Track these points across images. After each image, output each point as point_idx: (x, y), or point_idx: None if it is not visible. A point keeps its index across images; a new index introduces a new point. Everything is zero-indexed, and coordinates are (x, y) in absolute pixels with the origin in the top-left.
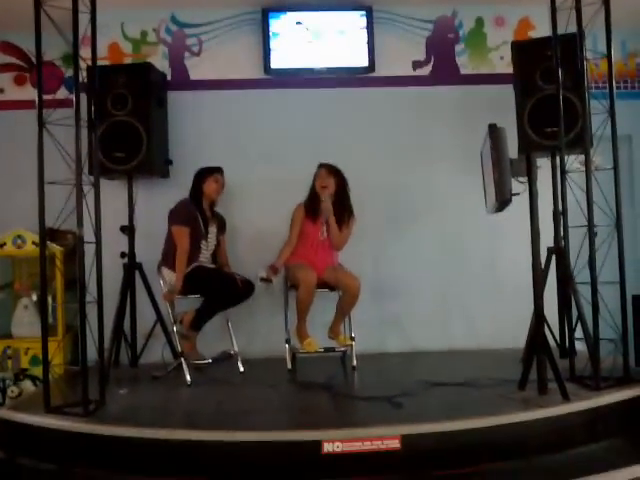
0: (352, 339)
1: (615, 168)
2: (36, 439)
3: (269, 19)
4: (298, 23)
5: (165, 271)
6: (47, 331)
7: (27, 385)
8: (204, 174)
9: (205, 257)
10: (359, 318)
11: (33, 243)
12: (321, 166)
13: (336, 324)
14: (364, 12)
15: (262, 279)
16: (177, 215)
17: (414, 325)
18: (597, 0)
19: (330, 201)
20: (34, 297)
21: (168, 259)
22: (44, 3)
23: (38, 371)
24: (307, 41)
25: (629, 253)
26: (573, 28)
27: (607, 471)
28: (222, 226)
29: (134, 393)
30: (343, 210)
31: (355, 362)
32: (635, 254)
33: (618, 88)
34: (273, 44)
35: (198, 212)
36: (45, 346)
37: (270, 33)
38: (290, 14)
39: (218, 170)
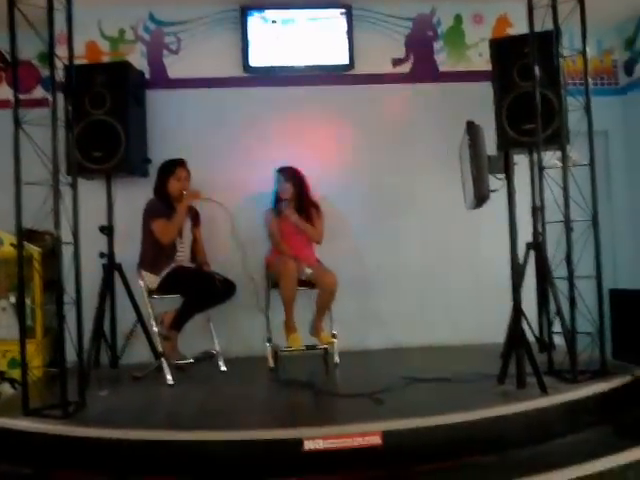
0: (334, 336)
1: (591, 164)
2: (14, 443)
3: (247, 17)
4: (273, 22)
5: (144, 273)
6: (25, 333)
7: (5, 388)
8: (165, 173)
9: (183, 255)
10: (341, 315)
11: (10, 244)
12: (277, 172)
13: (317, 322)
14: (343, 10)
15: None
16: (152, 211)
17: (396, 322)
18: None
19: (291, 207)
20: (12, 299)
21: (146, 261)
22: (18, 1)
23: (17, 374)
24: (286, 39)
25: (606, 248)
26: (550, 25)
27: (586, 461)
28: (195, 218)
29: (115, 394)
30: (307, 207)
31: (337, 359)
32: (612, 249)
33: (594, 84)
34: (252, 42)
35: (168, 210)
36: (23, 348)
37: (248, 31)
38: (268, 12)
39: (179, 164)
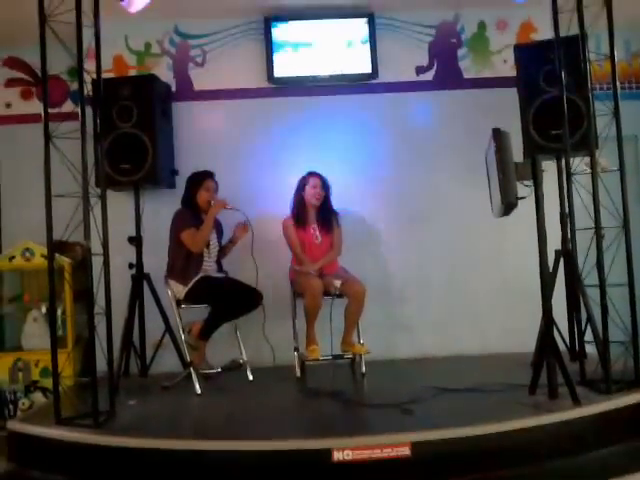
0: (361, 345)
1: (621, 169)
2: (47, 451)
3: (271, 28)
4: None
5: (172, 283)
6: (57, 343)
7: (38, 397)
8: (194, 184)
9: (209, 265)
10: (367, 324)
11: (42, 256)
12: (313, 176)
13: (348, 335)
14: (366, 19)
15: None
16: (182, 221)
17: (423, 331)
18: (599, 1)
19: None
20: (43, 309)
21: (174, 271)
22: (49, 18)
23: (48, 383)
24: (310, 49)
25: (637, 254)
26: (576, 30)
27: (620, 476)
28: (220, 231)
29: (144, 403)
30: (329, 214)
31: (364, 369)
32: None
33: (622, 89)
34: (276, 53)
35: (196, 220)
36: (55, 358)
37: (273, 42)
38: (292, 23)
39: (208, 176)
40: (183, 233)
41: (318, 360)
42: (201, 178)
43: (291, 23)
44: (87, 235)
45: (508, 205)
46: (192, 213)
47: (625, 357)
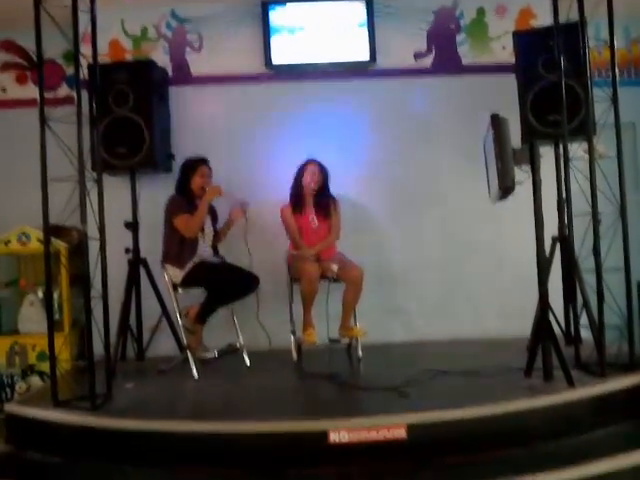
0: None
1: (619, 156)
2: (44, 433)
3: (269, 12)
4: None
5: (169, 267)
6: (53, 327)
7: (35, 381)
8: (188, 170)
9: (204, 250)
10: (363, 309)
11: (38, 240)
12: (310, 163)
13: (346, 319)
14: (364, 4)
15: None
16: (175, 207)
17: (419, 315)
18: None
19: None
20: (40, 293)
21: (169, 257)
22: (44, 1)
23: (45, 367)
24: (307, 34)
25: (634, 240)
26: (575, 16)
27: (614, 455)
28: (215, 216)
29: (141, 387)
30: (327, 200)
31: (361, 353)
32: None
33: (621, 75)
34: (273, 38)
35: (190, 206)
36: (52, 341)
37: (270, 27)
38: (290, 6)
39: (202, 162)
40: (176, 218)
41: (315, 344)
42: (195, 164)
43: (289, 6)
44: (83, 219)
45: (505, 189)
46: (186, 199)
47: (620, 341)
